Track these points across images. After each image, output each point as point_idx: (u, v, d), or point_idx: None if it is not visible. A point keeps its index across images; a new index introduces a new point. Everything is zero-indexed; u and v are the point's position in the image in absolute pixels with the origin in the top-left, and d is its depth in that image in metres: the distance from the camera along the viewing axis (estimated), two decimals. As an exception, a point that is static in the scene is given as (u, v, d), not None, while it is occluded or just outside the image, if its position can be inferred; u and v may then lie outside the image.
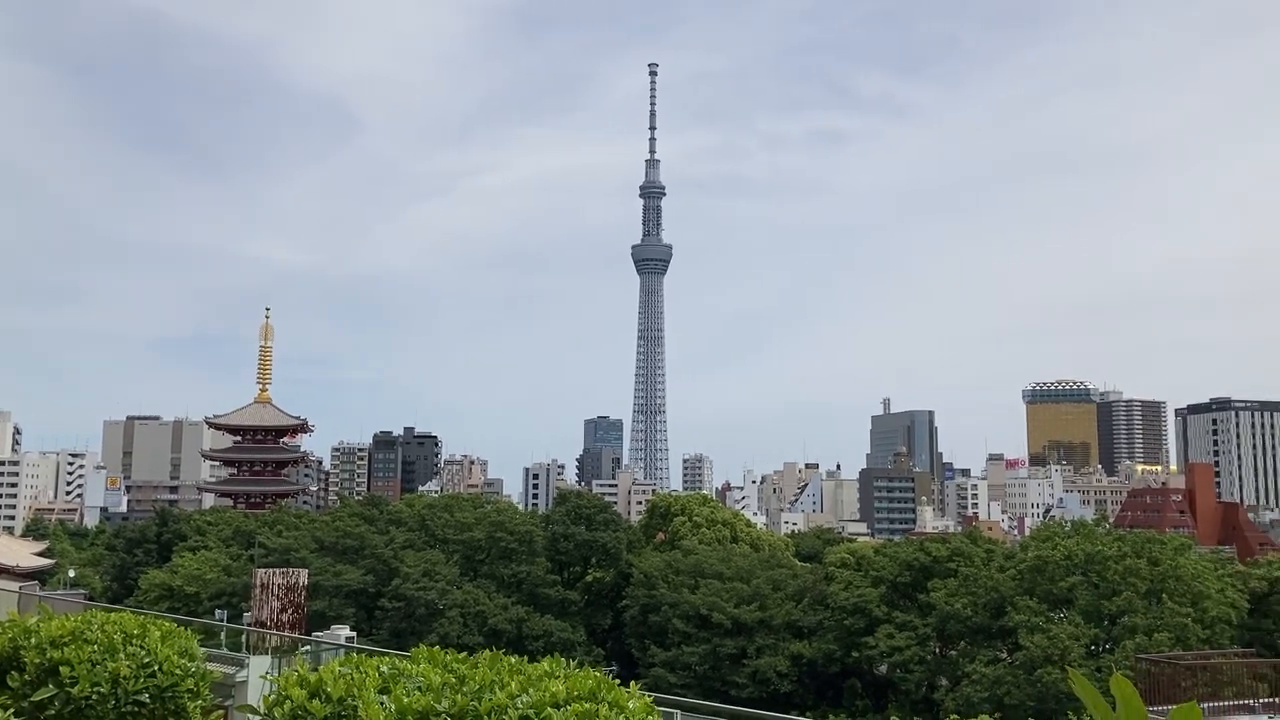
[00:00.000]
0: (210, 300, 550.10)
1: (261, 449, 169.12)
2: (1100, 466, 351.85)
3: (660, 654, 71.41)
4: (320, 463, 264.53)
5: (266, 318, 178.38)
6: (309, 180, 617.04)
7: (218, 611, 60.37)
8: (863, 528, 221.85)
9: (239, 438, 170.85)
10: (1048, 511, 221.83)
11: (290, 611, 35.51)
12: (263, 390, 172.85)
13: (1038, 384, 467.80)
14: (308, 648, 29.28)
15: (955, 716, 51.44)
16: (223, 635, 33.10)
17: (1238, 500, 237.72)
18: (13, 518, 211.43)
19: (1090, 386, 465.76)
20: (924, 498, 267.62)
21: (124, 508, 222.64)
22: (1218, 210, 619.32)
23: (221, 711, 8.28)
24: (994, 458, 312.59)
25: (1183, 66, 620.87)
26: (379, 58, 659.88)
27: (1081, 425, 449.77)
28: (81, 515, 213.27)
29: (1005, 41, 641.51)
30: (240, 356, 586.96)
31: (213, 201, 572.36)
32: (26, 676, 6.53)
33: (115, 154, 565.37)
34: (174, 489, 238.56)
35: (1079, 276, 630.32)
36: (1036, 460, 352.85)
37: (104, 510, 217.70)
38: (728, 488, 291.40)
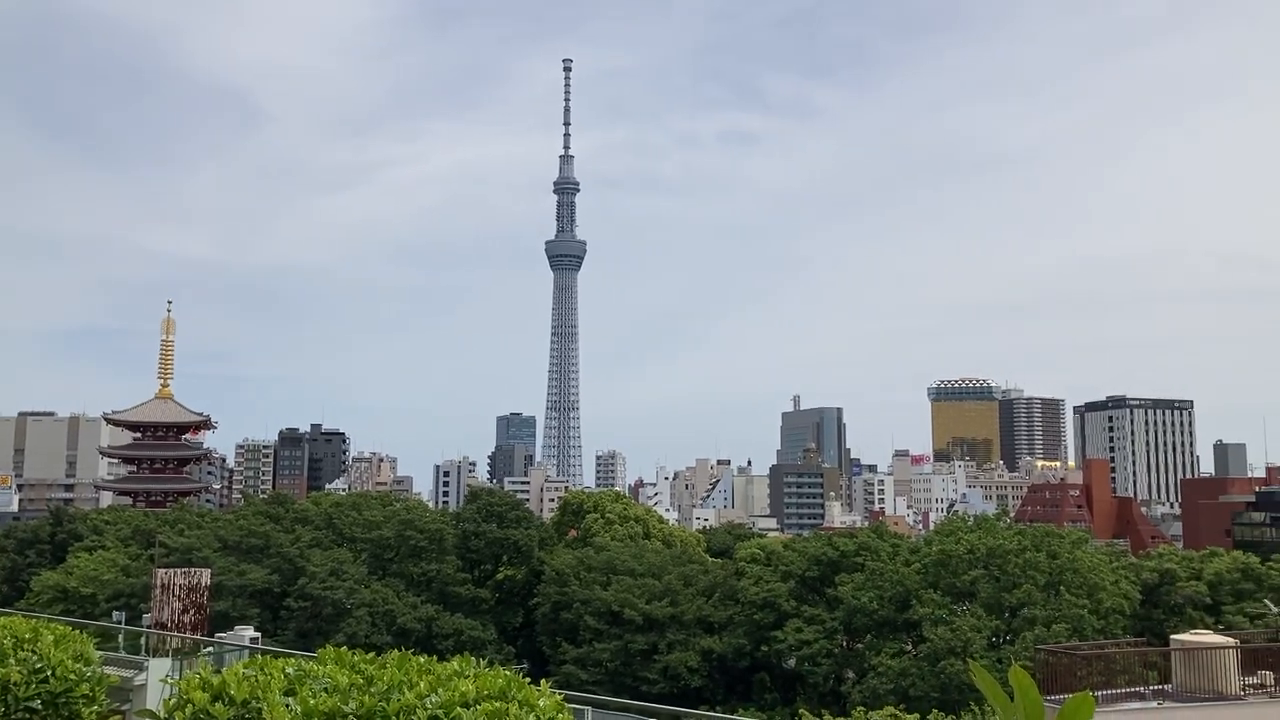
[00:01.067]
0: (108, 293, 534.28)
1: (163, 446, 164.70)
2: (1002, 462, 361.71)
3: (572, 651, 71.33)
4: (224, 460, 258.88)
5: (168, 311, 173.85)
6: (213, 171, 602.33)
7: (115, 613, 58.54)
8: (773, 523, 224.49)
9: (139, 434, 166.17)
10: (951, 506, 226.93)
11: (192, 612, 34.70)
12: (164, 386, 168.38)
13: (942, 382, 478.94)
14: (210, 649, 28.62)
15: (861, 709, 52.13)
16: (120, 638, 32.15)
17: (1132, 495, 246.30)
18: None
19: (993, 385, 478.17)
20: (832, 493, 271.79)
21: (15, 507, 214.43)
22: (1113, 213, 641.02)
23: (119, 716, 8.05)
24: (900, 454, 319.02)
25: (1077, 74, 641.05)
26: (286, 47, 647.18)
27: (984, 422, 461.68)
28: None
29: (911, 47, 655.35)
30: (140, 351, 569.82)
31: (111, 191, 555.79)
32: (-91, 684, 6.27)
33: (7, 139, 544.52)
34: (69, 487, 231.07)
35: (981, 277, 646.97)
36: (941, 456, 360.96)
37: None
38: (640, 484, 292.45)
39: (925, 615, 62.44)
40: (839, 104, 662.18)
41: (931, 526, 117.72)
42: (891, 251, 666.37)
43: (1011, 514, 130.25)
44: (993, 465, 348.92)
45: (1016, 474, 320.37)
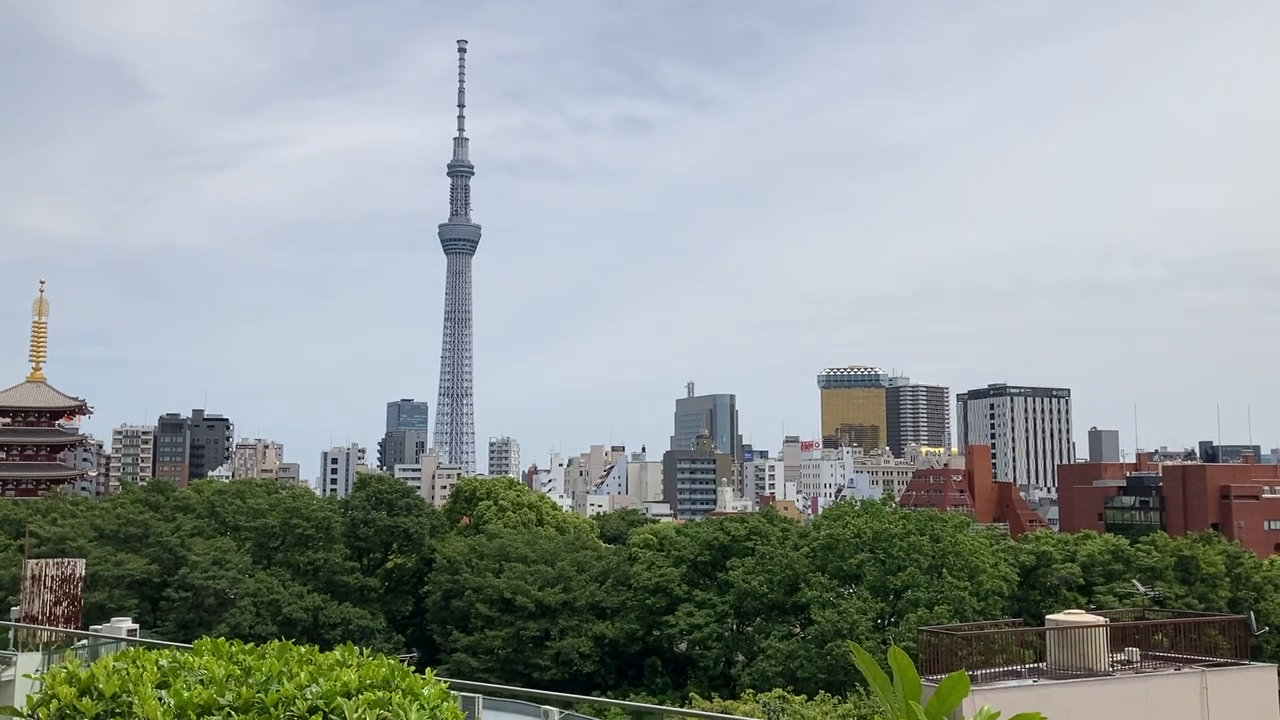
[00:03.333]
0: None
1: (34, 431, 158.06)
2: (888, 448, 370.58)
3: (463, 639, 70.85)
4: (101, 446, 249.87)
5: (40, 291, 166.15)
6: (87, 147, 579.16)
7: (-18, 606, 56.06)
8: (666, 509, 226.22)
9: (8, 419, 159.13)
10: (839, 491, 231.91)
11: (65, 604, 33.40)
12: (36, 369, 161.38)
13: (831, 370, 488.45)
14: (84, 642, 27.63)
15: (751, 691, 52.90)
16: (-13, 632, 30.75)
17: (1012, 480, 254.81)
18: None
19: (880, 373, 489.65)
20: (725, 479, 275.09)
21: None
22: (997, 206, 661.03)
23: (-18, 714, 7.73)
24: (790, 440, 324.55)
25: (965, 72, 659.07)
26: (165, 20, 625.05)
27: (871, 409, 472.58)
28: None
29: (803, 40, 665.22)
30: (10, 333, 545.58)
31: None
32: None
33: None
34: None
35: (870, 267, 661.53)
36: (830, 442, 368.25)
37: None
38: (535, 471, 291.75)
39: (813, 598, 63.58)
40: (733, 94, 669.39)
41: (820, 511, 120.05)
42: (784, 241, 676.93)
43: (897, 499, 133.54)
44: (879, 451, 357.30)
45: (902, 460, 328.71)
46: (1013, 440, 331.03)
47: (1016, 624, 40.34)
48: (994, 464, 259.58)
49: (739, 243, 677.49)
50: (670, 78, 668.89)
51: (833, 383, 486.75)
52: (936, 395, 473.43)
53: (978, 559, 66.69)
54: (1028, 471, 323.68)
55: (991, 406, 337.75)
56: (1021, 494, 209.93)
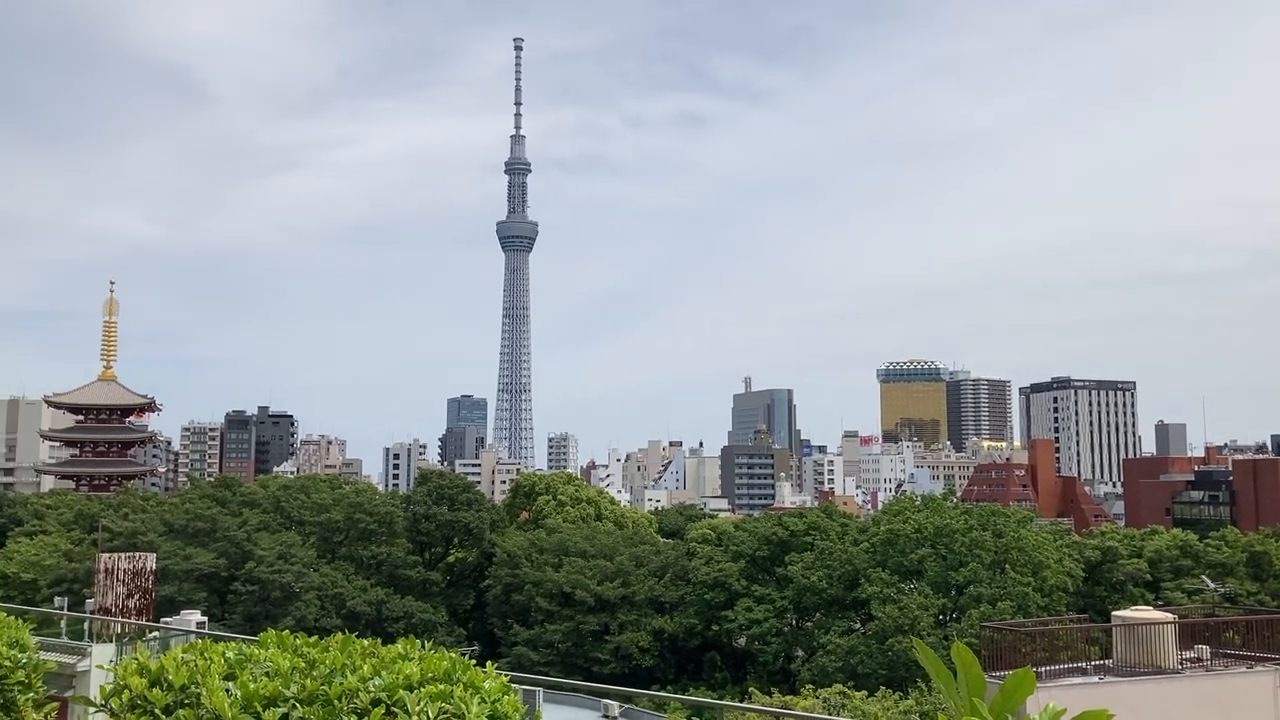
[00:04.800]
0: (48, 273, 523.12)
1: (106, 429, 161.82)
2: (949, 443, 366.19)
3: (523, 633, 71.33)
4: (169, 443, 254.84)
5: (111, 292, 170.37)
6: (156, 150, 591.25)
7: (57, 599, 57.58)
8: (724, 504, 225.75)
9: (81, 417, 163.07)
10: (899, 486, 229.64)
11: (137, 597, 34.18)
12: (107, 367, 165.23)
13: (891, 364, 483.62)
14: (155, 635, 28.25)
15: (810, 686, 52.64)
16: (63, 624, 31.63)
17: (1076, 474, 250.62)
18: None
19: (940, 366, 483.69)
20: (783, 474, 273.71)
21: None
22: (1061, 196, 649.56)
23: (58, 703, 7.90)
24: (849, 435, 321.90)
25: (1025, 60, 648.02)
26: (231, 25, 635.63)
27: (932, 403, 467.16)
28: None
29: (856, 32, 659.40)
30: (82, 332, 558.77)
31: (50, 170, 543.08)
32: None
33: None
34: (9, 471, 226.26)
35: (930, 259, 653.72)
36: (889, 437, 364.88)
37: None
38: (592, 466, 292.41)
39: (873, 594, 63.10)
40: (787, 87, 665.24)
41: (880, 506, 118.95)
42: (841, 234, 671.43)
43: (958, 494, 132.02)
44: (940, 446, 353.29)
45: (963, 454, 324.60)
46: (1076, 434, 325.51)
47: (1082, 620, 39.67)
48: (1057, 458, 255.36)
49: (796, 236, 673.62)
50: (724, 72, 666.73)
51: (892, 376, 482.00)
52: (998, 389, 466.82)
53: (1041, 554, 65.74)
54: (1092, 466, 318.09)
55: (1055, 400, 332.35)
56: (1086, 489, 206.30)
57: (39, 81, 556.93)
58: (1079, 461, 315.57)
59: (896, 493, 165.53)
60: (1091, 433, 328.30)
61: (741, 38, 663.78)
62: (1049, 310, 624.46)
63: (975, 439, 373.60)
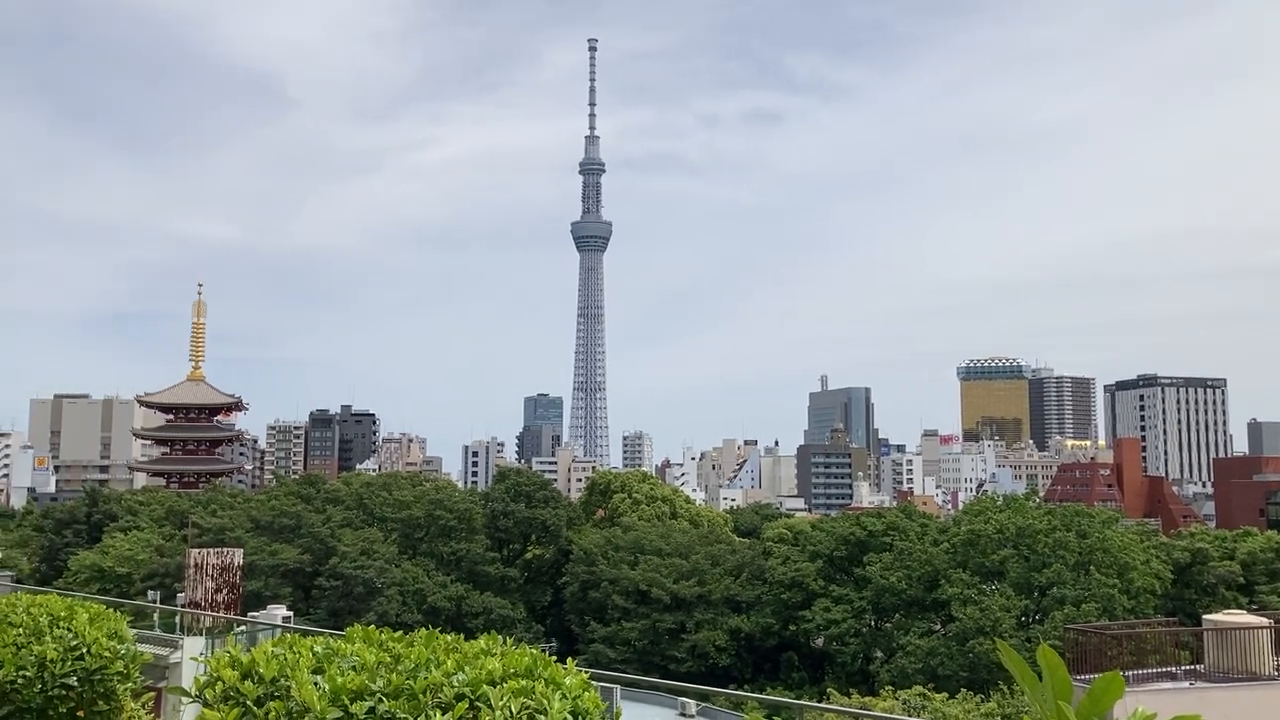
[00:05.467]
0: (138, 277, 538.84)
1: (195, 427, 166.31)
2: (1032, 442, 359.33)
3: (600, 629, 71.69)
4: (255, 441, 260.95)
5: (199, 294, 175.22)
6: (239, 156, 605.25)
7: (150, 593, 59.33)
8: (800, 503, 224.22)
9: (171, 416, 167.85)
10: (980, 486, 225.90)
11: (225, 591, 35.10)
12: (195, 368, 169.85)
13: (971, 361, 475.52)
14: (243, 628, 28.96)
15: (890, 688, 52.09)
16: (155, 617, 32.59)
17: (1163, 474, 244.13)
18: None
19: (1022, 364, 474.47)
20: (860, 473, 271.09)
21: (52, 488, 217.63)
22: (1144, 189, 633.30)
23: (153, 694, 8.15)
24: (929, 434, 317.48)
25: (1102, 51, 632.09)
26: (311, 31, 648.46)
27: (1014, 401, 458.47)
28: (8, 496, 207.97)
29: (932, 26, 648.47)
30: (171, 334, 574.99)
31: (138, 176, 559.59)
32: (-51, 661, 6.38)
33: (36, 128, 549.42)
34: (104, 468, 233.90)
35: (1010, 255, 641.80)
36: (970, 436, 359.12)
37: (31, 491, 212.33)
38: (667, 464, 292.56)
39: (954, 595, 62.29)
40: (861, 83, 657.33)
41: (960, 506, 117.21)
42: (918, 230, 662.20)
43: (1041, 494, 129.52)
44: (1022, 445, 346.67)
45: (1046, 453, 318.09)
46: (1164, 433, 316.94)
47: (1170, 624, 38.67)
48: (1144, 458, 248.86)
49: (872, 233, 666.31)
50: (797, 69, 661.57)
51: (972, 374, 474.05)
52: (1082, 387, 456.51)
53: (1128, 556, 64.25)
54: (1180, 465, 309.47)
55: (1141, 398, 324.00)
56: (1174, 489, 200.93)
57: (130, 91, 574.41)
58: (1166, 461, 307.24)
59: (977, 493, 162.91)
60: (1180, 431, 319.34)
61: (815, 33, 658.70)
62: (1134, 306, 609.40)
63: (1058, 438, 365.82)
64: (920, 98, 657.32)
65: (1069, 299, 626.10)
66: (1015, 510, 68.78)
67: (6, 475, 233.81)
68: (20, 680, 6.35)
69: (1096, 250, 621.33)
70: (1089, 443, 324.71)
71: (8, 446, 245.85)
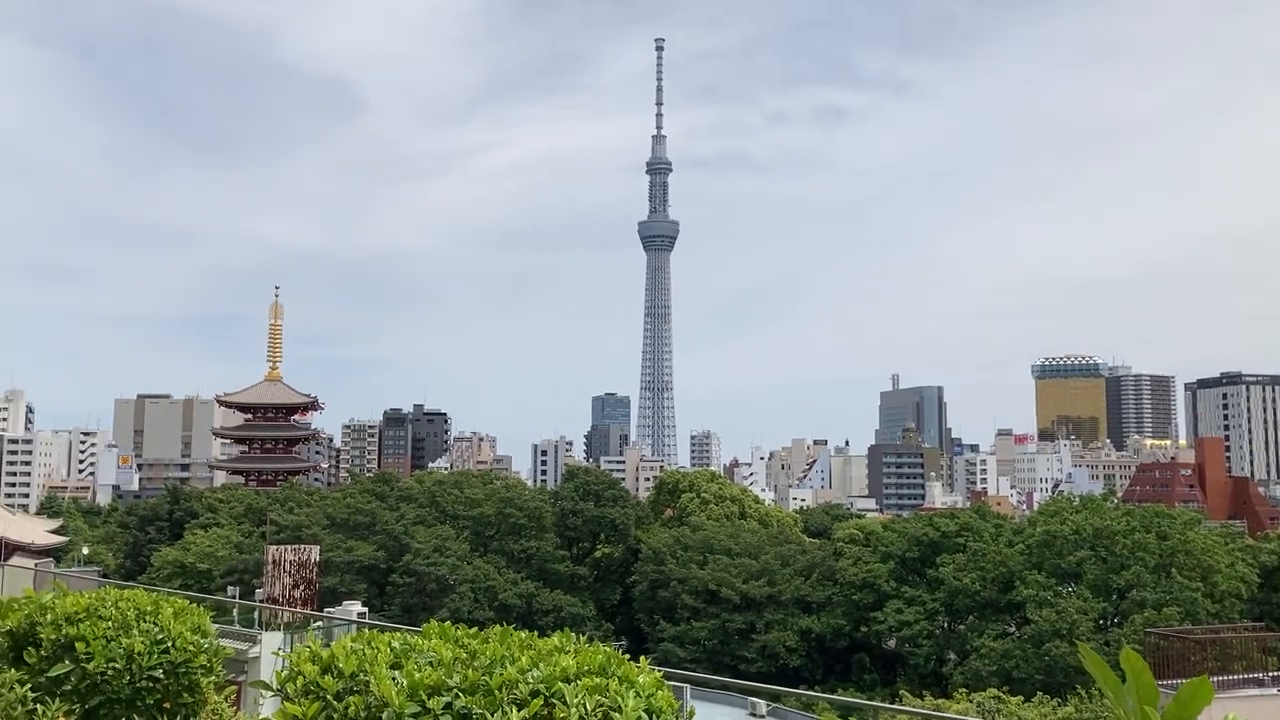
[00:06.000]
0: (217, 279, 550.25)
1: (272, 426, 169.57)
2: (1109, 441, 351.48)
3: (669, 629, 71.72)
4: (331, 440, 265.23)
5: (276, 296, 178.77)
6: (314, 160, 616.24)
7: (230, 588, 60.67)
8: (871, 504, 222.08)
9: (250, 415, 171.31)
10: (1056, 486, 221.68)
11: (302, 588, 35.76)
12: (273, 368, 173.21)
13: (1047, 359, 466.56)
14: (320, 624, 29.47)
15: (963, 690, 51.39)
16: (235, 612, 33.32)
17: (1248, 475, 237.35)
18: (27, 496, 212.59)
19: (1099, 361, 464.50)
20: (933, 473, 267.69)
21: (136, 485, 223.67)
22: (1224, 183, 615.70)
23: (234, 687, 8.34)
24: (1003, 433, 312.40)
25: (1184, 40, 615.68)
26: (382, 37, 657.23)
27: (1090, 400, 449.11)
28: (94, 493, 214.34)
29: (1002, 18, 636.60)
30: (249, 335, 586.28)
31: (217, 181, 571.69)
32: (43, 652, 6.58)
33: (121, 135, 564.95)
34: (185, 466, 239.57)
35: (1085, 251, 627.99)
36: (1045, 435, 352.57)
37: (116, 488, 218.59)
38: (735, 464, 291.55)
39: (1029, 597, 61.28)
40: (932, 78, 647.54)
41: (1035, 507, 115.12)
42: (991, 226, 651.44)
43: (1119, 494, 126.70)
44: (1099, 444, 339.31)
45: (1124, 453, 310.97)
46: (1249, 432, 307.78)
47: (1258, 629, 37.57)
48: (1227, 458, 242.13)
49: (942, 229, 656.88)
50: (866, 64, 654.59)
51: (1048, 373, 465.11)
52: (1162, 385, 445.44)
53: (1211, 558, 62.61)
54: (1267, 466, 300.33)
55: (1224, 396, 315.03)
56: (1260, 489, 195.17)
57: (211, 99, 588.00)
58: (1252, 461, 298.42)
59: (1053, 493, 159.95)
60: (1266, 430, 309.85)
61: (883, 28, 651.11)
62: (1215, 303, 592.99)
63: (1137, 437, 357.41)
64: (991, 91, 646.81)
65: (1147, 296, 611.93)
66: (1092, 511, 67.50)
67: (92, 473, 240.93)
68: (110, 671, 6.54)
69: (1176, 246, 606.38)
70: (1169, 442, 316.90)
71: (93, 445, 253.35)
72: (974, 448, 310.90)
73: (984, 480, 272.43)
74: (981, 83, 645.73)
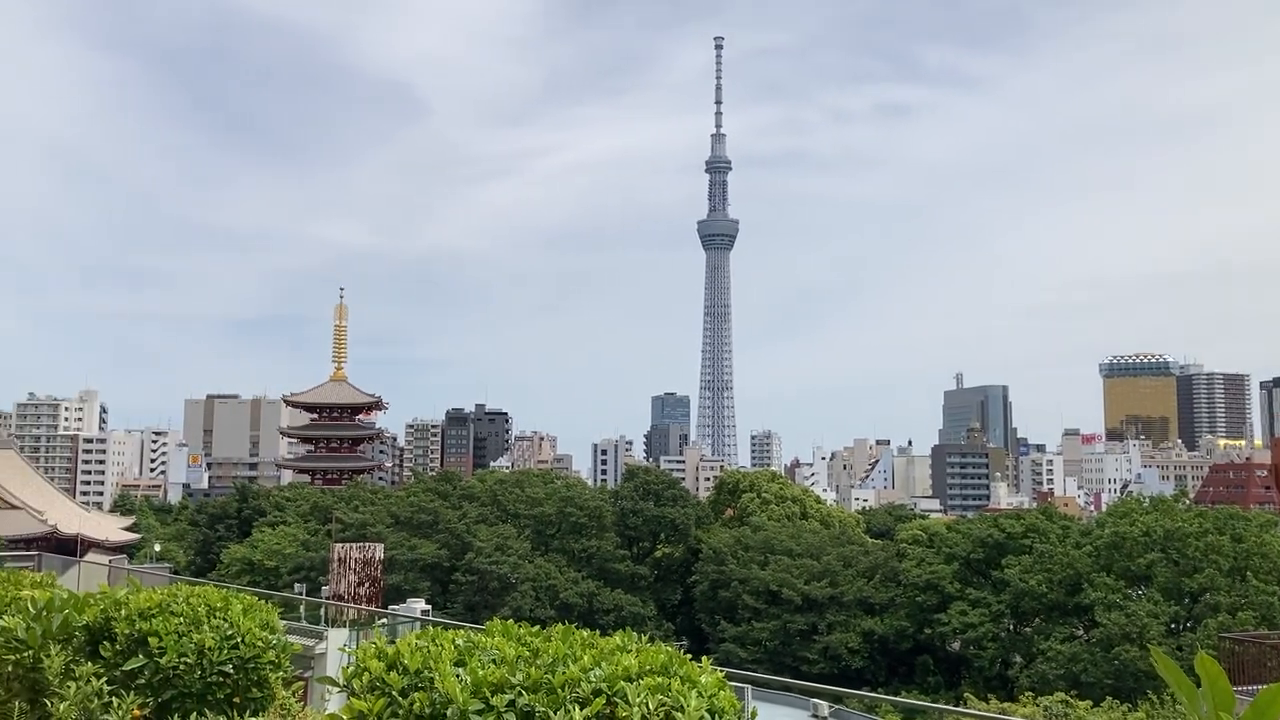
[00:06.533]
0: (283, 281, 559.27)
1: (338, 426, 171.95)
2: (1180, 441, 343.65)
3: (730, 629, 71.54)
4: (395, 439, 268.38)
5: (340, 298, 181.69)
6: (377, 163, 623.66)
7: (296, 585, 61.72)
8: (935, 504, 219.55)
9: (315, 415, 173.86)
10: (1125, 487, 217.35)
11: (367, 585, 36.19)
12: (338, 369, 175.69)
13: (1115, 357, 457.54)
14: (385, 621, 29.83)
15: (1030, 694, 50.62)
16: (302, 608, 33.85)
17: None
18: (101, 494, 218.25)
19: (1169, 359, 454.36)
20: (998, 474, 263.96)
21: (205, 484, 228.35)
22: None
23: (302, 683, 8.47)
24: (1070, 433, 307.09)
25: (1250, 31, 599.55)
26: (443, 40, 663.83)
27: (1160, 399, 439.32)
28: (165, 491, 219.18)
29: (1064, 12, 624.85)
30: (315, 336, 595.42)
31: (284, 185, 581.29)
32: (117, 646, 6.75)
33: (189, 140, 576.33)
34: (253, 465, 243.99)
35: (1156, 247, 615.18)
36: (1114, 435, 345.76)
37: (186, 486, 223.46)
38: (797, 464, 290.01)
39: (1098, 599, 60.20)
40: (995, 73, 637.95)
41: (1104, 508, 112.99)
42: (1057, 222, 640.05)
43: (1191, 495, 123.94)
44: (1170, 444, 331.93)
45: (1196, 453, 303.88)
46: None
47: (1337, 634, 36.50)
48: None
49: (1007, 225, 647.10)
50: (929, 60, 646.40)
51: (1116, 371, 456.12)
52: (1235, 383, 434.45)
53: (1289, 562, 60.99)
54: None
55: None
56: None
57: (276, 104, 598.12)
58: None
59: (1122, 494, 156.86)
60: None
61: (946, 24, 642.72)
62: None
63: (1210, 437, 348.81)
64: (1057, 85, 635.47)
65: (1218, 292, 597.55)
66: (1163, 512, 66.12)
67: (164, 472, 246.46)
68: (182, 666, 6.68)
69: (1248, 240, 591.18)
70: (1243, 442, 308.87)
71: (164, 445, 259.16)
72: (1040, 448, 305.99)
73: (1050, 481, 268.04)
74: (1043, 77, 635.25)
